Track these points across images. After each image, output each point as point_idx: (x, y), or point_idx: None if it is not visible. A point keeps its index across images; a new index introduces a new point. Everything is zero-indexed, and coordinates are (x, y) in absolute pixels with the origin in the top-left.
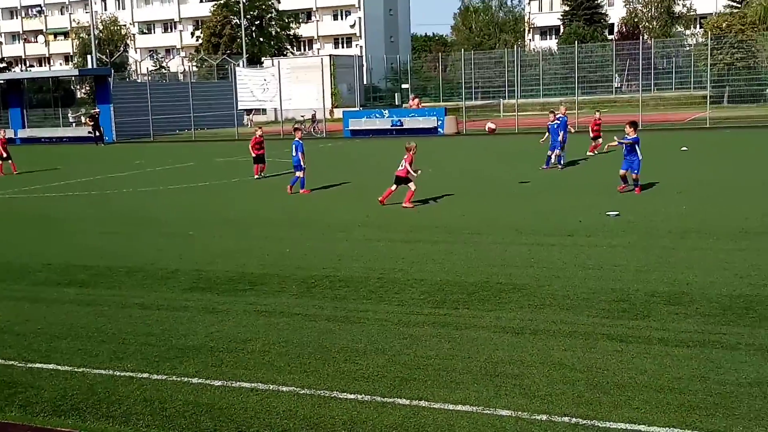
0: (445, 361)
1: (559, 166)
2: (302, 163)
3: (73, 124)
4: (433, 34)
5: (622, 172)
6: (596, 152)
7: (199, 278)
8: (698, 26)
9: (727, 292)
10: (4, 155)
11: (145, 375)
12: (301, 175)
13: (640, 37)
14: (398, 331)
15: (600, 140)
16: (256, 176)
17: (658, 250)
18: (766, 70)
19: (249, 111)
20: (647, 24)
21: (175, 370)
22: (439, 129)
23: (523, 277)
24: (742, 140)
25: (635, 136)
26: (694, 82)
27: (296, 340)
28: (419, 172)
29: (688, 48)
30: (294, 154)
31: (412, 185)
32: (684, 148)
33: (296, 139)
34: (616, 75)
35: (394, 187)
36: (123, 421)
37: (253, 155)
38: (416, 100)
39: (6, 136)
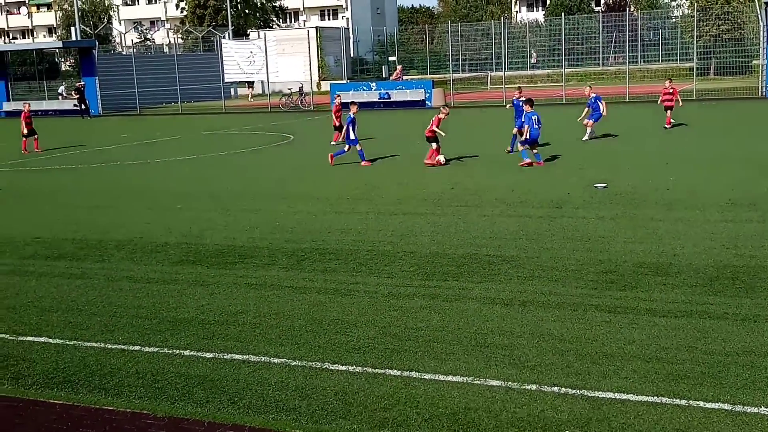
0: (436, 332)
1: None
2: (353, 137)
3: (60, 97)
4: (420, 5)
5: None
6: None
7: (188, 251)
8: None
9: (713, 262)
10: (25, 132)
11: (137, 347)
12: (359, 148)
13: (627, 9)
14: (388, 303)
15: (670, 112)
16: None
17: (645, 222)
18: (752, 41)
19: (251, 84)
20: None
21: (166, 342)
22: (426, 101)
23: (511, 249)
24: (728, 112)
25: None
26: (680, 54)
27: (287, 312)
28: (445, 134)
29: (674, 20)
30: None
31: (434, 144)
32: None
33: (350, 114)
34: (533, 51)
35: (434, 145)
36: (116, 393)
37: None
38: (398, 68)
39: (30, 110)
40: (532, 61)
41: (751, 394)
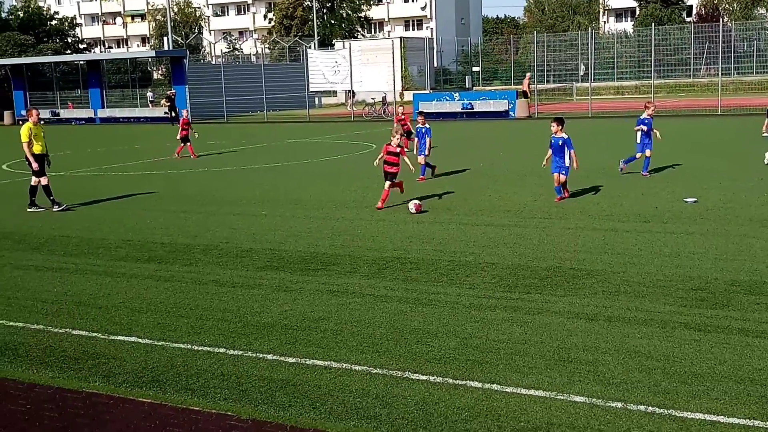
0: (518, 345)
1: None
2: (422, 150)
3: (151, 104)
4: (505, 16)
5: (555, 175)
6: None
7: (272, 257)
8: None
9: None
10: (178, 137)
11: (222, 350)
12: (422, 162)
13: (720, 20)
14: (470, 314)
15: None
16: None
17: (737, 239)
18: None
19: (351, 92)
20: (727, 6)
21: (250, 345)
22: (510, 112)
23: (596, 263)
24: None
25: (564, 136)
26: None
27: (368, 320)
28: (413, 169)
29: None
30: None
31: (387, 184)
32: (765, 134)
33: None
34: (582, 64)
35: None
36: (201, 394)
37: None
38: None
39: (189, 117)
40: (581, 74)
41: None
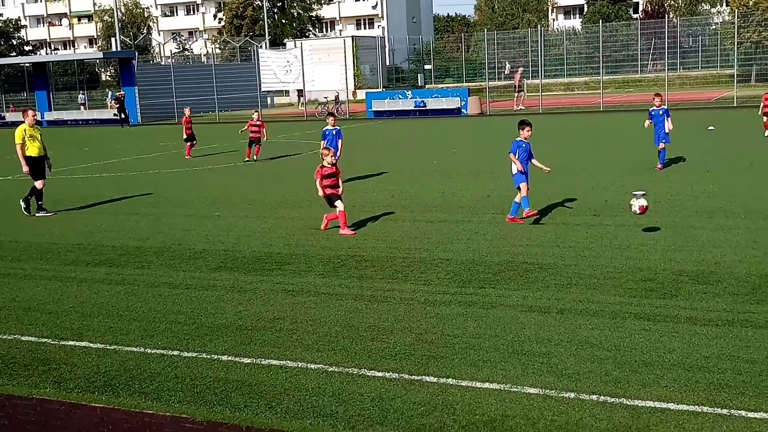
0: (472, 339)
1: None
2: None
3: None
4: (456, 14)
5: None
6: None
7: (226, 258)
8: (724, 4)
9: (755, 270)
10: (184, 136)
11: (176, 352)
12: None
13: (666, 16)
14: (425, 310)
15: None
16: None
17: (685, 230)
18: None
19: (300, 92)
20: (672, 2)
21: (205, 347)
22: (462, 109)
23: (548, 256)
24: None
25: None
26: (720, 60)
27: (324, 318)
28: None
29: (714, 26)
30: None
31: (340, 205)
32: (711, 128)
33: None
34: (507, 63)
35: (339, 205)
36: (155, 397)
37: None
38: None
39: (191, 115)
40: (506, 72)
41: None
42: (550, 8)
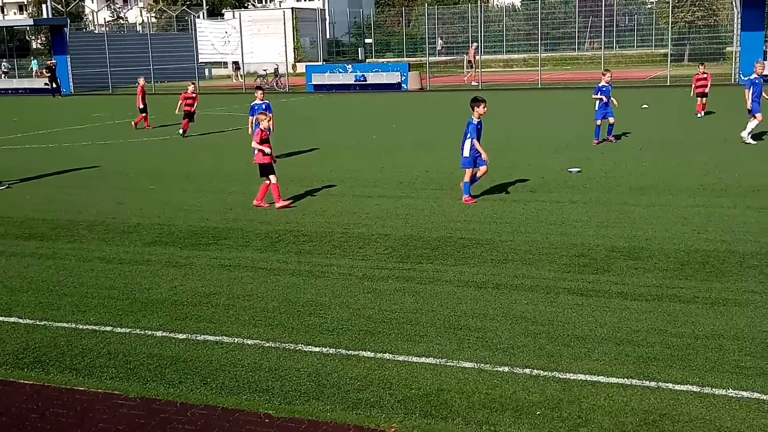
0: (409, 314)
1: (612, 138)
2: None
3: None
4: None
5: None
6: (704, 113)
7: (161, 232)
8: None
9: (684, 247)
10: (141, 106)
11: (109, 328)
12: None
13: None
14: (362, 285)
15: (704, 99)
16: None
17: (618, 206)
18: (725, 28)
19: (236, 64)
20: None
21: (138, 323)
22: (402, 84)
23: (485, 232)
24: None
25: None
26: (655, 40)
27: (261, 294)
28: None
29: (650, 6)
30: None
31: (273, 177)
32: (645, 106)
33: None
34: (439, 39)
35: (272, 178)
36: (87, 373)
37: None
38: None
39: (144, 84)
40: (438, 48)
41: (719, 376)
42: None
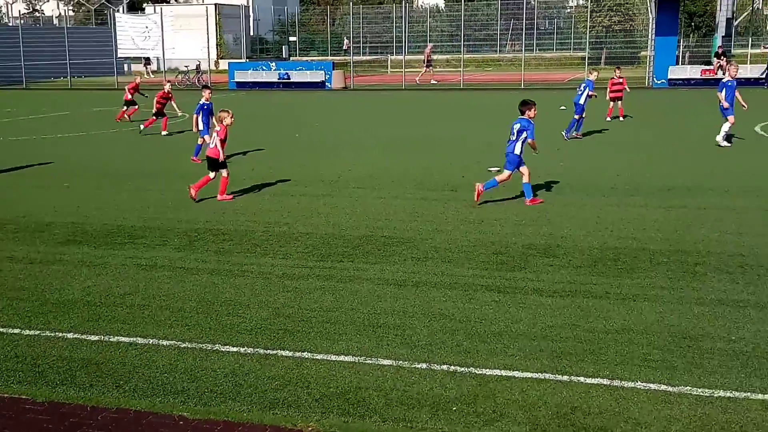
0: (329, 313)
1: (575, 134)
2: (205, 131)
3: None
4: None
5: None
6: (619, 117)
7: (74, 231)
8: None
9: (597, 244)
10: (127, 98)
11: (17, 330)
12: (201, 142)
13: None
14: (282, 284)
15: (620, 103)
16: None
17: (535, 205)
18: (641, 33)
19: (147, 60)
20: None
21: (49, 325)
22: (326, 83)
23: (406, 230)
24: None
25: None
26: (574, 43)
27: (178, 293)
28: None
29: (569, 10)
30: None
31: (224, 171)
32: (562, 108)
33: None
34: (345, 38)
35: (211, 174)
36: None
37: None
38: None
39: (139, 82)
40: (344, 48)
41: (628, 369)
42: None
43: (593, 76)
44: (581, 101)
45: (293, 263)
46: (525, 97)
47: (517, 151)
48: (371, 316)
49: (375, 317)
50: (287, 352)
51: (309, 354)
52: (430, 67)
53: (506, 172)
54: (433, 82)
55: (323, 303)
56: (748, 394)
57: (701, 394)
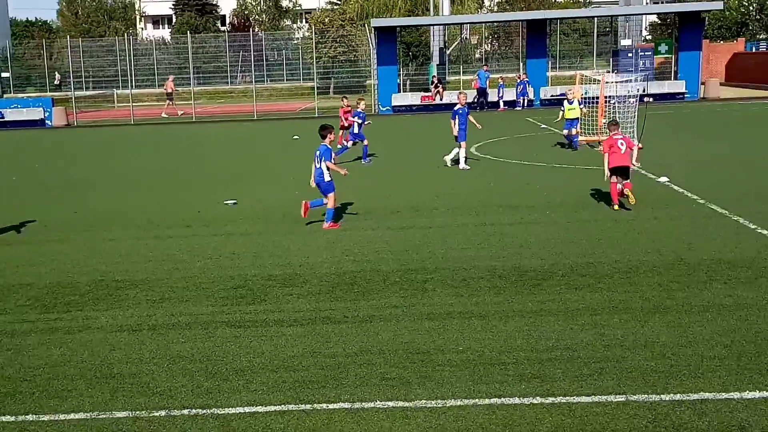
0: (56, 368)
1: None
2: None
3: None
4: (36, 19)
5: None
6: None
7: None
8: (304, 21)
9: (335, 270)
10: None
11: None
12: None
13: (251, 30)
14: (0, 343)
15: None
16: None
17: (274, 236)
18: (365, 63)
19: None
20: (257, 17)
21: None
22: (47, 121)
23: (140, 272)
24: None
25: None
26: (303, 73)
27: None
28: None
29: (296, 41)
30: None
31: None
32: (296, 137)
33: None
34: (56, 73)
35: None
36: None
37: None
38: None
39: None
40: (56, 82)
41: (368, 390)
42: (138, 17)
43: (361, 106)
44: (356, 131)
45: (12, 318)
46: (322, 122)
47: (327, 178)
48: (103, 367)
49: (108, 367)
50: (9, 417)
51: (34, 416)
52: (172, 100)
53: (330, 198)
54: (180, 113)
55: (49, 358)
56: (477, 400)
57: (435, 405)
